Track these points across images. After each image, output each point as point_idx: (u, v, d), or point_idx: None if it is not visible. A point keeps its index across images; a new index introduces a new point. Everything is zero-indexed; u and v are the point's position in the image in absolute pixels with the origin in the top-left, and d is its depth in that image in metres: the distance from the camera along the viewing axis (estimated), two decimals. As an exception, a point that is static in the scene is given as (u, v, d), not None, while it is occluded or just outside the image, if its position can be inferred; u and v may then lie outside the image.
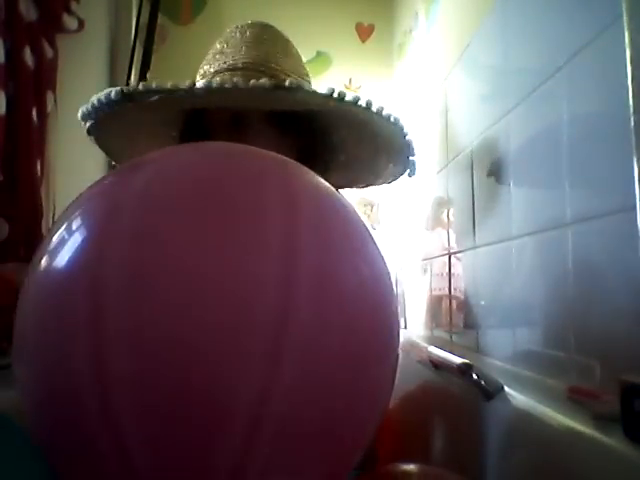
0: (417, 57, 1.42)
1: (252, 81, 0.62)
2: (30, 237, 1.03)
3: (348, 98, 0.66)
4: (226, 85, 0.63)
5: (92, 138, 0.76)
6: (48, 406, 0.34)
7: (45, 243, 0.36)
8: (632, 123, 0.48)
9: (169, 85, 0.63)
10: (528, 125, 0.72)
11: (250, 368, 0.30)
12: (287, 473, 0.34)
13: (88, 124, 0.72)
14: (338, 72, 1.70)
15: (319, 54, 1.69)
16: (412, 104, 1.44)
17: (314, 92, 0.66)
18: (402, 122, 0.73)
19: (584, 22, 0.58)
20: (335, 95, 0.65)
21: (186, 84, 0.63)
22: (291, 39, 0.82)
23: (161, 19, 1.56)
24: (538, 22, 0.69)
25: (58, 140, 1.20)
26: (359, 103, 0.66)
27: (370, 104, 0.68)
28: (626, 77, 0.49)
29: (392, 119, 0.71)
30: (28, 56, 1.09)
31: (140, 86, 0.64)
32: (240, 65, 0.72)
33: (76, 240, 0.34)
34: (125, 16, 1.53)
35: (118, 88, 0.64)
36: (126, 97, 0.64)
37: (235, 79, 0.64)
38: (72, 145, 1.20)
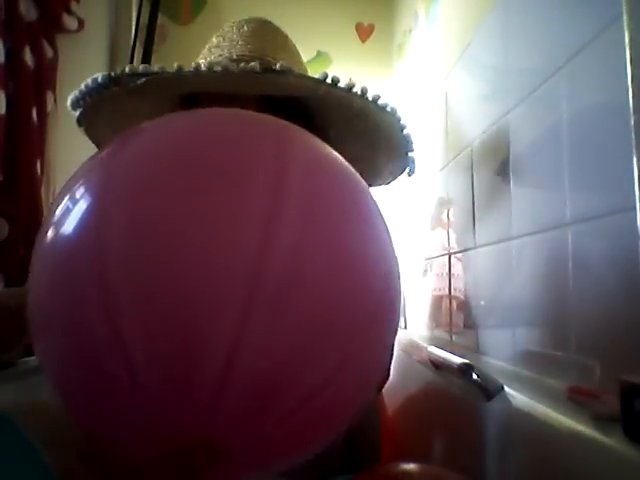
0: (417, 57, 1.42)
1: (242, 64, 0.61)
2: (30, 237, 1.03)
3: (341, 84, 0.64)
4: (215, 68, 0.61)
5: (83, 129, 0.74)
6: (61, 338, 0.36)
7: (51, 212, 0.39)
8: (632, 123, 0.48)
9: (156, 68, 0.62)
10: (528, 125, 0.72)
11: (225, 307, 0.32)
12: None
13: (78, 112, 0.70)
14: (338, 72, 1.67)
15: (319, 54, 1.69)
16: (412, 104, 1.44)
17: (305, 76, 0.65)
18: (399, 113, 0.72)
19: (584, 22, 0.58)
20: (328, 80, 0.64)
21: (174, 67, 0.62)
22: (291, 38, 0.82)
23: (161, 19, 1.56)
24: (538, 21, 0.69)
25: (58, 140, 1.20)
26: (353, 90, 0.65)
27: (365, 91, 0.66)
28: (626, 77, 0.49)
29: (389, 109, 0.69)
30: (28, 56, 1.09)
31: (127, 69, 0.63)
32: (235, 57, 0.71)
33: (79, 208, 0.36)
34: (125, 16, 1.53)
35: (105, 72, 0.64)
36: (113, 81, 0.63)
37: (224, 62, 0.63)
38: (72, 145, 1.20)
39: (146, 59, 1.41)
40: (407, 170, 0.83)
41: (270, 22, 0.81)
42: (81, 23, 1.28)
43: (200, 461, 0.34)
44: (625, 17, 0.49)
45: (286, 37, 0.81)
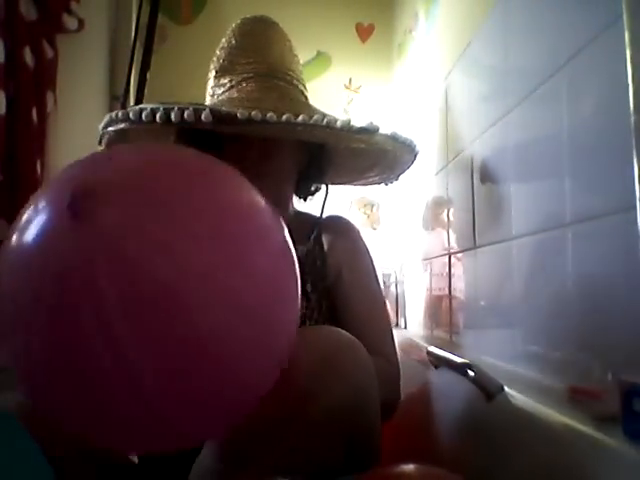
0: (417, 57, 1.42)
1: (315, 117, 0.65)
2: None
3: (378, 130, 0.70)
4: (272, 118, 0.63)
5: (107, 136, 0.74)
6: None
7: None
8: (632, 123, 0.48)
9: (238, 113, 0.62)
10: (528, 125, 0.72)
11: None
12: None
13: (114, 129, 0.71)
14: (338, 72, 1.70)
15: (319, 54, 1.69)
16: (412, 104, 1.44)
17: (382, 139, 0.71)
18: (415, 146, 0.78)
19: (584, 22, 0.58)
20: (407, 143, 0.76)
21: (256, 114, 0.63)
22: (291, 39, 0.82)
23: (161, 19, 1.56)
24: (538, 22, 0.69)
25: (58, 140, 1.20)
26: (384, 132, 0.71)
27: (396, 135, 0.74)
28: (626, 77, 0.49)
29: (409, 144, 0.77)
30: (28, 56, 1.09)
31: (187, 112, 0.62)
32: (263, 72, 0.75)
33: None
34: (125, 16, 1.53)
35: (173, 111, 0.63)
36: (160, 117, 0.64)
37: (285, 116, 0.64)
38: (72, 145, 1.20)
39: (146, 59, 1.41)
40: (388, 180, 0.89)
41: (275, 23, 0.81)
42: (81, 23, 1.28)
43: None
44: (625, 17, 0.49)
45: (289, 39, 0.82)
